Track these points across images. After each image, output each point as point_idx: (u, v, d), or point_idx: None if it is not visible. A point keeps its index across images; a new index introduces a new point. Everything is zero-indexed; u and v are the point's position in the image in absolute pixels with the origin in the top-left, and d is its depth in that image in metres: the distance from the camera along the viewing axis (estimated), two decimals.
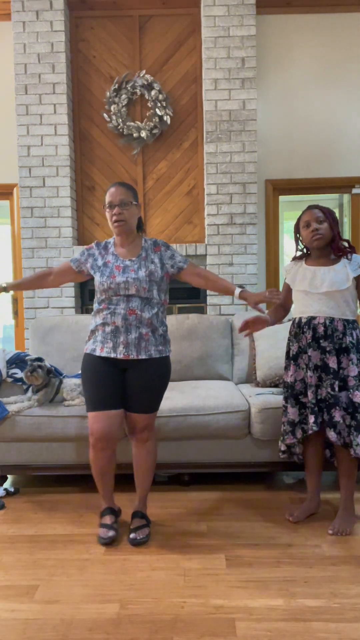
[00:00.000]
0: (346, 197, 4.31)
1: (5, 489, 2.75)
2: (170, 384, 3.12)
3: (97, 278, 2.19)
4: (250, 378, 3.30)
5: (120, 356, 2.15)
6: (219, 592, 1.84)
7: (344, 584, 1.89)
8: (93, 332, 2.23)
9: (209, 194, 3.84)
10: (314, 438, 2.37)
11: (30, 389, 2.88)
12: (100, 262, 2.23)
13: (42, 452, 2.75)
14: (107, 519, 2.28)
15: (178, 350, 3.29)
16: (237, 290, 2.23)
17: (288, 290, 2.48)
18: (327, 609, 1.74)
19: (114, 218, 2.18)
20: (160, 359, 2.21)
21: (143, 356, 2.16)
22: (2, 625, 1.69)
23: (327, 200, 4.71)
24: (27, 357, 3.08)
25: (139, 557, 2.10)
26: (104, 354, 2.17)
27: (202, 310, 3.98)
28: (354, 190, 4.12)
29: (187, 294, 3.98)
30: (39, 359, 3.09)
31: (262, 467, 2.77)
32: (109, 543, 2.19)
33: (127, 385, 2.21)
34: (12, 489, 2.76)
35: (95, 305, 2.24)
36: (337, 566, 2.00)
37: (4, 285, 2.31)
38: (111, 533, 2.20)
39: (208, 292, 3.87)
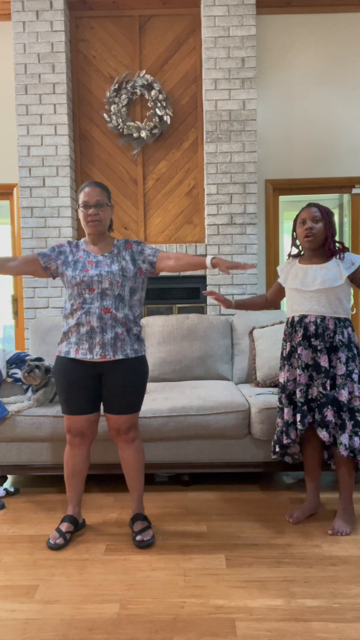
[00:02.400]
0: (346, 197, 4.32)
1: (5, 489, 2.75)
2: (170, 384, 3.13)
3: (69, 273, 2.16)
4: (250, 378, 3.31)
5: (96, 357, 2.12)
6: (219, 592, 1.84)
7: (344, 584, 1.89)
8: (66, 334, 2.18)
9: (209, 194, 3.84)
10: (312, 439, 2.37)
11: (30, 388, 2.88)
12: (71, 259, 2.21)
13: (42, 452, 2.75)
14: (64, 526, 2.26)
15: (178, 350, 3.29)
16: (208, 259, 2.16)
17: (278, 288, 2.51)
18: (327, 609, 1.74)
19: (89, 218, 2.16)
20: (137, 359, 2.19)
21: (119, 356, 2.13)
22: (2, 625, 1.69)
23: (327, 200, 4.71)
24: (27, 357, 3.08)
25: (139, 557, 2.10)
26: (79, 356, 2.13)
27: (202, 310, 3.98)
28: (354, 190, 4.12)
29: (187, 294, 3.98)
30: (39, 359, 3.09)
31: (262, 467, 2.77)
32: (54, 549, 2.18)
33: (106, 389, 2.19)
34: (12, 489, 2.76)
35: (67, 306, 2.18)
36: (337, 566, 2.00)
37: None
38: (60, 541, 2.19)
39: None
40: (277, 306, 2.59)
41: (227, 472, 2.90)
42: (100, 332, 2.11)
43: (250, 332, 3.34)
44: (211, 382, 3.16)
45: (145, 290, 2.31)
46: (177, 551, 2.14)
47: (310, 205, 2.32)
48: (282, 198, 4.20)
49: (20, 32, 3.76)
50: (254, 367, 3.23)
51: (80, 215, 2.20)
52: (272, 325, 3.27)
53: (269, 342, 3.13)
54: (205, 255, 3.87)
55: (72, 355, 2.15)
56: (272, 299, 2.57)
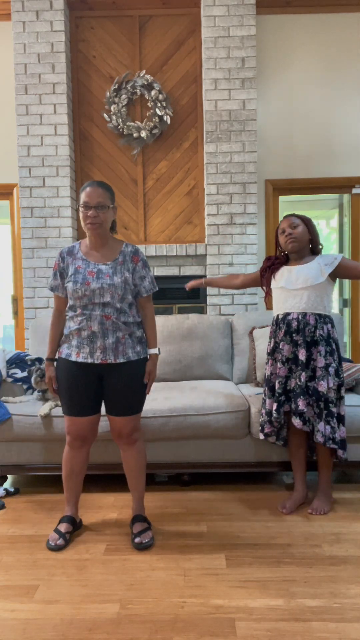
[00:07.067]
0: (346, 197, 4.32)
1: (5, 489, 2.75)
2: (170, 384, 3.13)
3: (70, 286, 2.10)
4: (250, 378, 3.31)
5: (97, 361, 2.10)
6: (219, 592, 1.84)
7: (344, 584, 1.89)
8: (67, 336, 2.16)
9: (209, 194, 3.85)
10: (297, 430, 2.52)
11: (37, 390, 2.87)
12: (70, 270, 2.13)
13: (42, 452, 2.75)
14: (63, 527, 2.25)
15: (178, 350, 3.29)
16: (152, 351, 2.22)
17: (255, 278, 2.72)
18: (327, 609, 1.74)
19: (89, 220, 2.08)
20: (139, 361, 2.18)
21: (121, 360, 2.12)
22: (2, 625, 1.69)
23: (327, 200, 4.71)
24: (27, 357, 3.08)
25: (139, 557, 2.10)
26: (80, 360, 2.11)
27: (202, 310, 3.98)
28: (354, 190, 4.12)
29: (187, 294, 3.98)
30: (39, 359, 3.10)
31: (262, 467, 2.77)
32: (55, 550, 2.17)
33: (107, 390, 2.17)
34: (12, 489, 2.76)
35: (69, 311, 2.16)
36: (337, 566, 2.00)
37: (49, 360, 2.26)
38: (60, 542, 2.18)
39: (208, 291, 3.88)
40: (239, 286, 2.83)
41: (227, 472, 2.89)
42: (102, 337, 2.09)
43: (250, 332, 3.34)
44: (211, 382, 3.16)
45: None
46: (177, 551, 2.14)
47: (286, 216, 2.54)
48: (282, 198, 4.20)
49: (20, 32, 3.76)
50: (254, 367, 3.23)
51: (80, 216, 2.13)
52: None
53: (267, 342, 3.13)
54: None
55: (73, 358, 2.13)
56: (244, 284, 2.77)
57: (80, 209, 2.11)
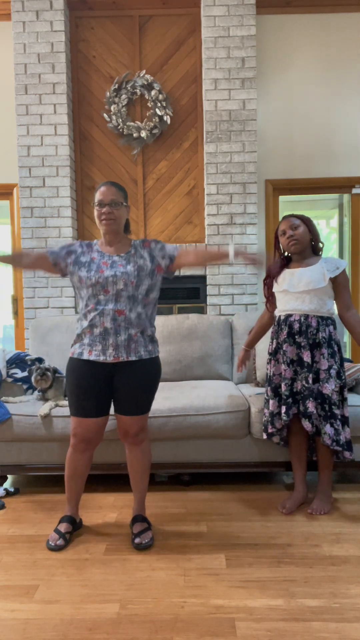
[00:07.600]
0: (346, 197, 4.31)
1: (5, 489, 2.75)
2: (170, 384, 3.13)
3: (83, 274, 2.13)
4: (250, 378, 3.31)
5: (110, 359, 2.10)
6: (219, 592, 1.84)
7: (344, 584, 1.89)
8: (80, 335, 2.17)
9: (209, 194, 3.84)
10: (298, 430, 2.51)
11: (37, 389, 2.87)
12: (84, 259, 2.18)
13: (42, 452, 2.75)
14: (63, 527, 2.25)
15: (178, 350, 3.29)
16: (232, 251, 2.09)
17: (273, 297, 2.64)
18: (327, 609, 1.74)
19: (104, 217, 2.15)
20: (150, 360, 2.18)
21: (133, 357, 2.12)
22: (2, 625, 1.69)
23: (327, 200, 4.71)
24: (27, 357, 3.08)
25: (139, 557, 2.10)
26: (92, 358, 2.12)
27: (202, 310, 3.98)
28: (354, 190, 4.12)
29: (187, 294, 3.98)
30: (39, 359, 3.10)
31: (262, 467, 2.77)
32: (55, 550, 2.17)
33: (117, 389, 2.17)
34: (12, 489, 2.76)
35: (82, 308, 2.17)
36: (337, 566, 2.00)
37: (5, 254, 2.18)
38: (60, 542, 2.19)
39: (208, 292, 3.87)
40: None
41: (227, 472, 2.90)
42: (114, 334, 2.10)
43: (250, 332, 3.34)
44: (211, 382, 3.16)
45: (159, 291, 2.28)
46: (177, 551, 2.14)
47: (286, 216, 2.51)
48: (282, 198, 4.20)
49: (20, 32, 3.76)
50: (254, 367, 3.23)
51: (95, 214, 2.18)
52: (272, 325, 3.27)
53: (268, 342, 3.13)
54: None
55: (85, 356, 2.13)
56: (273, 311, 2.68)
57: (95, 207, 2.18)
